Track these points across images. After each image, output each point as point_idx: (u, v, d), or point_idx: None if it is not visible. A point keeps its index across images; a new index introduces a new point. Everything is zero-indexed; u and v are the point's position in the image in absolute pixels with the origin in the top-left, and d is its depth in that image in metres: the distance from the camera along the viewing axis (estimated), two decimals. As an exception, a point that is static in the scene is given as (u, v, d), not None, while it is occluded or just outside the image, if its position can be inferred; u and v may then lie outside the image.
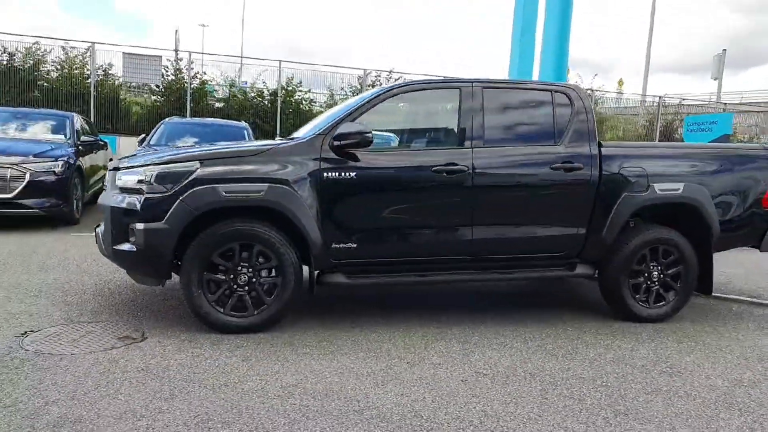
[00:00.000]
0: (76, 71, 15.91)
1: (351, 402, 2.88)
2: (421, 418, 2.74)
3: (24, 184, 7.69)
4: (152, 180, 3.73)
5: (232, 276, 3.81)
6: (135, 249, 3.71)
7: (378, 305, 4.75)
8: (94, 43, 15.52)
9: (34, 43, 16.12)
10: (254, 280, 3.84)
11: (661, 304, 4.58)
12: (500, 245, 4.28)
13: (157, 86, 16.03)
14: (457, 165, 4.08)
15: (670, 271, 4.56)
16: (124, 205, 3.79)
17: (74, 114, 10.53)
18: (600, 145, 4.42)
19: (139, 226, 3.67)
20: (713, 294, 5.43)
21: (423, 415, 2.78)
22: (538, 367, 3.50)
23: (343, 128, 3.87)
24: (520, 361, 3.59)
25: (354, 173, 3.91)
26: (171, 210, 3.65)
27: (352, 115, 4.03)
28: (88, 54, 15.60)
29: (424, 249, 4.17)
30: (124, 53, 15.42)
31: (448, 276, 4.29)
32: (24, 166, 7.86)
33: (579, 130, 4.38)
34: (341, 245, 3.95)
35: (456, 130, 4.24)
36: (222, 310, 3.81)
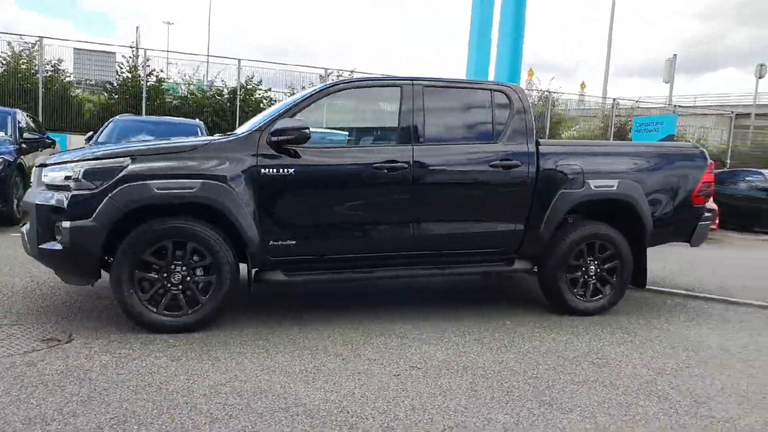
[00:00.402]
0: (23, 66, 15.37)
1: (278, 399, 2.85)
2: (347, 413, 2.73)
3: (-32, 183, 7.44)
4: (80, 176, 3.62)
5: (165, 275, 3.73)
6: (61, 247, 3.60)
7: (322, 303, 4.73)
8: (42, 37, 15.00)
9: (-23, 38, 15.51)
10: (188, 278, 3.77)
11: (597, 297, 4.70)
12: (440, 241, 4.31)
13: (111, 83, 15.62)
14: (397, 162, 4.09)
15: (606, 266, 4.68)
16: (50, 202, 3.67)
17: (17, 110, 10.15)
18: (538, 143, 4.50)
19: (66, 223, 3.56)
20: (652, 288, 5.64)
21: (350, 410, 2.77)
22: (472, 360, 3.54)
23: (281, 124, 3.83)
24: (456, 354, 3.62)
25: (292, 170, 3.88)
26: (99, 207, 3.55)
27: (290, 111, 4.01)
28: (36, 49, 15.09)
29: (364, 246, 4.17)
30: (74, 49, 15.01)
31: (387, 272, 4.30)
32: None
33: (517, 128, 4.45)
34: (279, 242, 3.92)
35: (397, 127, 4.25)
36: (155, 309, 3.73)
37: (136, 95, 15.07)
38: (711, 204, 11.32)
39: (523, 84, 19.89)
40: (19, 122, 9.57)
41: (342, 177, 4.04)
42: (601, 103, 22.36)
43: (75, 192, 3.61)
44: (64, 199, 3.62)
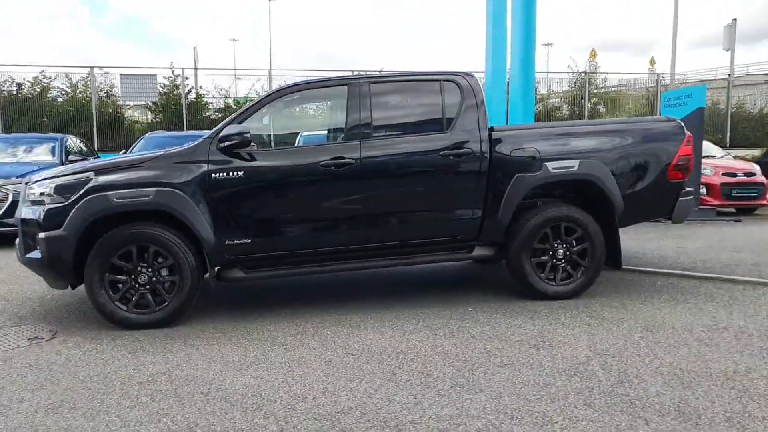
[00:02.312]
0: (79, 95, 16.63)
1: (203, 385, 3.08)
2: (259, 397, 2.92)
3: (8, 204, 8.24)
4: (52, 191, 4.03)
5: (132, 276, 4.06)
6: (40, 256, 4.01)
7: (293, 297, 4.95)
8: (92, 67, 16.19)
9: (40, 72, 16.94)
10: (154, 278, 4.09)
11: (568, 281, 4.64)
12: (394, 233, 4.42)
13: (154, 103, 16.62)
14: (344, 158, 4.24)
15: (575, 249, 4.62)
16: (29, 216, 4.09)
17: (66, 136, 11.11)
18: (491, 130, 4.52)
19: (41, 234, 3.96)
20: (647, 269, 5.51)
21: (263, 394, 2.96)
22: (410, 346, 3.63)
23: (226, 130, 4.08)
24: (398, 341, 3.73)
25: (242, 172, 4.12)
26: (68, 218, 3.93)
27: (239, 117, 4.25)
28: (89, 78, 16.29)
29: (319, 241, 4.35)
30: (121, 75, 16.05)
31: (344, 265, 4.45)
32: (7, 187, 8.42)
33: (469, 116, 4.48)
34: (235, 242, 4.16)
35: (344, 125, 4.40)
36: (125, 308, 4.07)
37: (178, 112, 15.97)
38: (760, 177, 10.76)
39: (582, 65, 19.40)
40: (66, 147, 10.45)
41: (290, 177, 4.24)
42: (646, 80, 21.35)
43: (48, 206, 4.01)
44: (41, 212, 4.02)
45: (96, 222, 3.95)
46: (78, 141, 11.66)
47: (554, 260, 4.61)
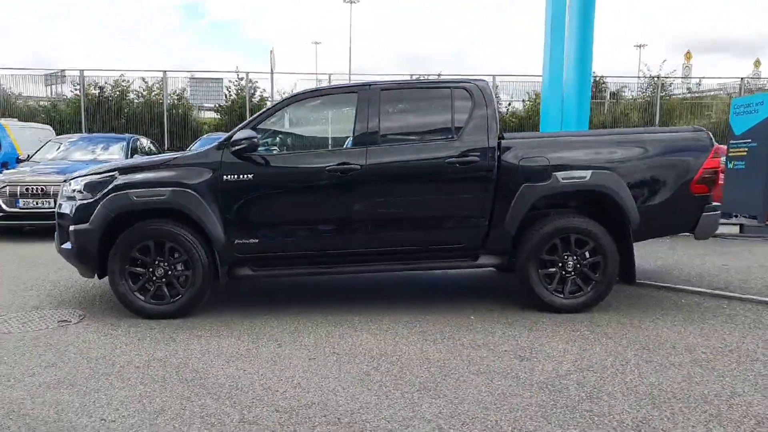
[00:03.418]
0: (154, 98, 17.79)
1: (190, 373, 3.31)
2: (233, 387, 3.10)
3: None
4: (83, 189, 4.42)
5: (150, 269, 4.38)
6: (71, 247, 4.41)
7: (303, 296, 5.14)
8: (166, 71, 17.28)
9: (120, 76, 18.26)
10: (170, 272, 4.39)
11: (578, 294, 4.55)
12: (399, 239, 4.50)
13: (220, 105, 17.48)
14: (349, 164, 4.37)
15: (586, 261, 4.52)
16: (65, 210, 4.51)
17: (135, 136, 11.98)
18: (501, 138, 4.51)
19: (71, 227, 4.36)
20: (673, 286, 5.30)
21: (239, 384, 3.14)
22: (395, 350, 3.71)
23: (237, 135, 4.32)
24: (387, 344, 3.81)
25: (251, 175, 4.35)
26: (94, 213, 4.30)
27: (251, 122, 4.48)
28: (161, 81, 17.40)
29: (325, 244, 4.50)
30: (190, 78, 17.02)
31: (349, 268, 4.58)
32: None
33: (478, 124, 4.50)
34: (243, 241, 4.39)
35: (353, 131, 4.53)
36: (143, 298, 4.40)
37: (242, 114, 16.72)
38: None
39: (678, 69, 18.49)
40: (132, 146, 11.25)
41: (298, 180, 4.42)
42: (728, 83, 20.11)
43: (79, 202, 4.40)
44: (73, 207, 4.43)
45: (118, 217, 4.30)
46: (147, 141, 12.50)
47: (563, 272, 4.53)
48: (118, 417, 2.74)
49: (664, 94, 18.12)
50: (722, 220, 9.78)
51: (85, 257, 4.41)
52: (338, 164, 4.38)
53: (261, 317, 4.45)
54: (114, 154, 11.04)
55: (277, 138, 4.78)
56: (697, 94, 20.41)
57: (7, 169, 10.99)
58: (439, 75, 18.12)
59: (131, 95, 18.03)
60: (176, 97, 17.90)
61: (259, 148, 4.49)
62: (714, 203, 4.68)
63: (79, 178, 4.54)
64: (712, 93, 20.59)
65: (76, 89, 17.98)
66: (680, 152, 4.56)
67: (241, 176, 4.34)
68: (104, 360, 3.53)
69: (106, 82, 17.96)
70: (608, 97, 19.30)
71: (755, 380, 3.17)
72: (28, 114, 17.64)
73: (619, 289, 5.16)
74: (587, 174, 4.42)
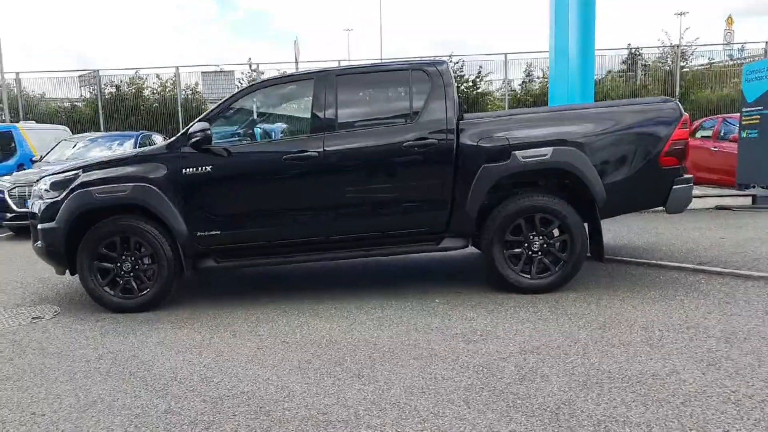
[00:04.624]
0: (168, 94, 18.06)
1: (136, 365, 3.37)
2: (171, 377, 3.15)
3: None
4: (49, 188, 4.53)
5: (118, 264, 4.48)
6: (41, 245, 4.53)
7: (278, 287, 5.18)
8: (178, 67, 17.49)
9: (135, 74, 18.58)
10: (137, 267, 4.48)
11: (546, 274, 4.45)
12: (361, 225, 4.46)
13: (230, 98, 17.62)
14: (307, 152, 4.36)
15: (554, 241, 4.42)
16: (34, 209, 4.63)
17: (145, 133, 12.24)
18: (459, 119, 4.42)
19: (39, 226, 4.48)
20: (655, 262, 5.16)
21: (179, 376, 3.18)
22: (348, 336, 3.70)
23: (193, 128, 4.35)
24: (341, 332, 3.80)
25: (209, 167, 4.37)
26: (59, 211, 4.40)
27: (207, 114, 4.50)
28: (175, 77, 17.64)
29: (286, 233, 4.50)
30: (201, 72, 17.19)
31: (312, 256, 4.58)
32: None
33: (436, 106, 4.41)
34: (205, 233, 4.43)
35: (310, 119, 4.50)
36: (113, 292, 4.50)
37: (252, 106, 16.82)
38: None
39: (720, 35, 17.62)
40: (141, 143, 11.48)
41: (255, 171, 4.43)
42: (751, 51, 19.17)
43: (46, 200, 4.51)
44: (41, 206, 4.54)
45: (82, 215, 4.39)
46: (159, 137, 12.72)
47: (529, 252, 4.44)
48: (49, 411, 2.81)
49: (684, 63, 17.43)
50: (736, 192, 9.48)
51: (53, 255, 4.52)
52: (295, 152, 4.36)
53: (228, 308, 4.49)
54: (120, 151, 11.28)
55: (236, 128, 4.79)
56: (727, 62, 19.50)
57: (23, 170, 11.36)
58: (450, 55, 17.80)
59: (146, 92, 18.34)
60: (190, 92, 18.15)
61: (222, 140, 4.53)
62: (686, 175, 4.50)
63: (47, 177, 4.65)
64: (747, 59, 19.64)
65: (93, 89, 18.40)
66: (647, 124, 4.40)
67: (200, 169, 4.37)
68: (59, 355, 3.62)
69: (121, 81, 18.30)
70: (639, 69, 18.58)
71: (701, 357, 3.06)
72: (48, 116, 18.13)
73: (598, 267, 5.05)
74: (548, 151, 4.30)
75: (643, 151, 4.36)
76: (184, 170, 4.38)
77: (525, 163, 4.31)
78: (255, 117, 4.81)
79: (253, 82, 4.78)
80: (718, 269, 4.83)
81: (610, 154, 4.37)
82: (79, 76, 19.50)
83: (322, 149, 4.36)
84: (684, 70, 17.34)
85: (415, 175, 4.40)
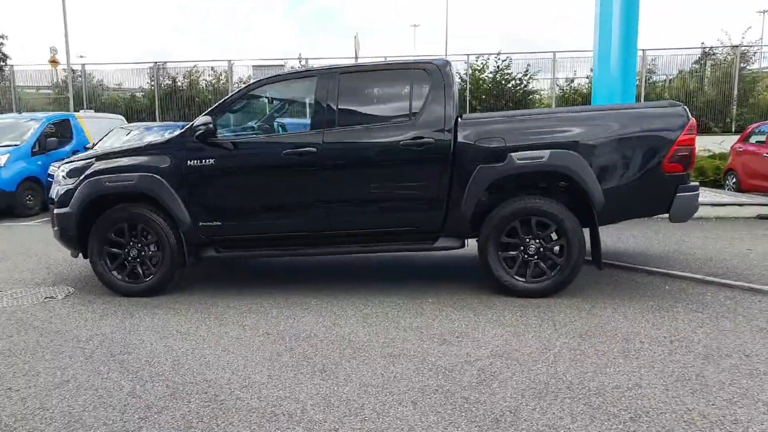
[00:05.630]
0: (222, 87, 18.62)
1: (119, 348, 3.53)
2: (147, 362, 3.29)
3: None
4: (66, 174, 4.79)
5: (126, 249, 4.70)
6: (57, 228, 4.81)
7: (283, 278, 5.29)
8: (231, 61, 18.01)
9: (193, 67, 19.25)
10: (143, 253, 4.68)
11: (542, 278, 4.36)
12: (357, 221, 4.50)
13: (278, 91, 18.01)
14: (305, 147, 4.42)
15: (550, 245, 4.32)
16: (53, 195, 4.91)
17: (184, 123, 12.63)
18: (458, 118, 4.38)
19: (55, 210, 4.76)
20: (674, 272, 4.98)
21: (154, 360, 3.32)
22: (328, 332, 3.74)
23: (197, 121, 4.49)
24: (323, 327, 3.84)
25: (212, 160, 4.52)
26: (73, 198, 4.66)
27: (212, 109, 4.64)
28: (228, 70, 18.20)
29: (284, 226, 4.58)
30: (253, 66, 17.63)
31: (310, 250, 4.65)
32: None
33: (435, 105, 4.39)
34: (207, 223, 4.58)
35: (311, 115, 4.57)
36: (120, 276, 4.72)
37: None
38: None
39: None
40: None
41: (256, 164, 4.54)
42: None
43: (63, 186, 4.78)
44: (58, 191, 4.82)
45: (93, 201, 4.63)
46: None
47: (525, 255, 4.36)
48: (24, 387, 3.00)
49: (745, 65, 16.44)
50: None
51: (67, 238, 4.79)
52: (294, 147, 4.44)
53: (226, 297, 4.63)
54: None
55: (240, 123, 4.91)
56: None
57: (76, 156, 12.02)
58: (497, 53, 17.51)
59: (201, 84, 18.98)
60: (242, 85, 18.67)
61: (226, 134, 4.66)
62: (692, 183, 4.29)
63: (66, 165, 4.92)
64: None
65: (151, 82, 19.21)
66: (651, 129, 4.23)
67: (204, 161, 4.52)
68: (55, 334, 3.84)
69: (177, 73, 19.02)
70: (707, 69, 17.66)
71: (671, 372, 2.93)
72: (109, 105, 19.04)
73: (604, 274, 4.90)
74: (545, 154, 4.20)
75: (646, 156, 4.19)
76: (188, 162, 4.54)
77: (521, 166, 4.23)
78: (261, 112, 4.91)
79: (260, 79, 4.87)
80: (728, 281, 4.58)
81: (610, 158, 4.22)
82: (149, 68, 20.41)
83: (321, 145, 4.42)
84: (744, 71, 16.35)
85: (411, 173, 4.40)
